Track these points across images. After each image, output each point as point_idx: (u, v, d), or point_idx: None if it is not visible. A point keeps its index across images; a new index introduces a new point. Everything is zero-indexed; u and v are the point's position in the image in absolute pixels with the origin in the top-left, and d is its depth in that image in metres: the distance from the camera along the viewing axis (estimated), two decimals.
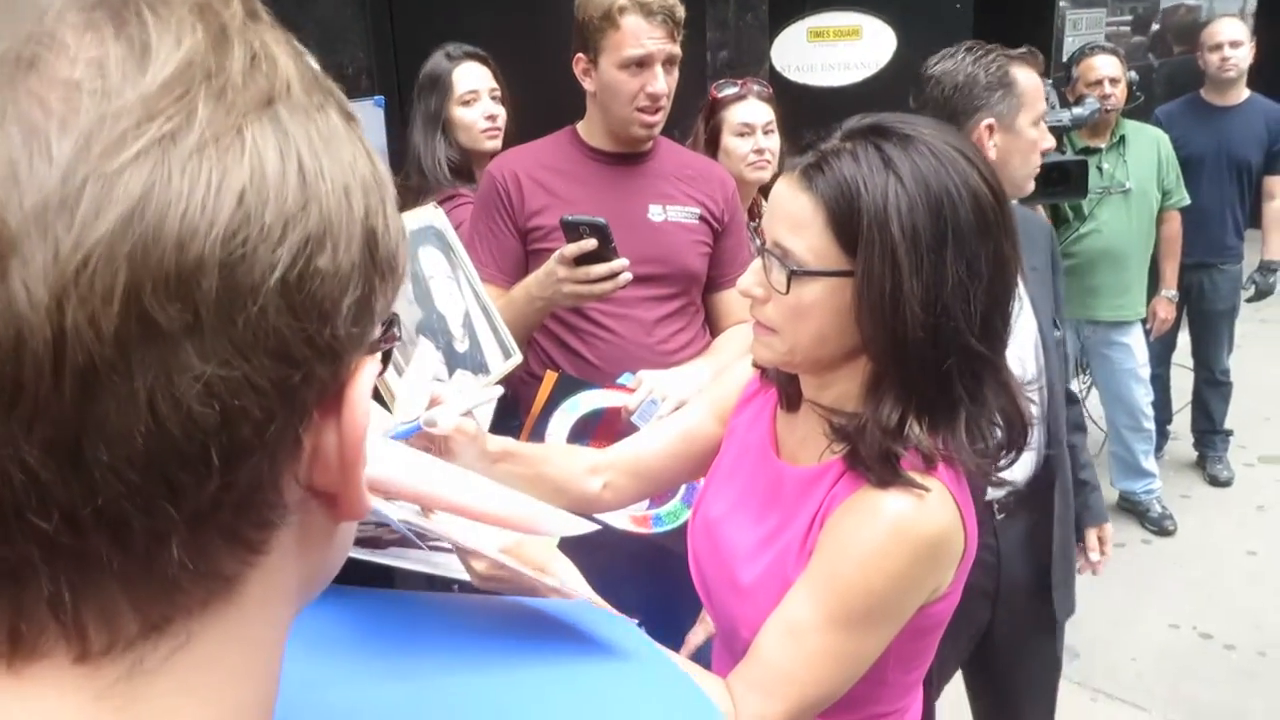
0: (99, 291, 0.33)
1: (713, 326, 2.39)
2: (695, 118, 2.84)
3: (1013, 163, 2.00)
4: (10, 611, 0.36)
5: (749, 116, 2.73)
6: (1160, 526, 4.32)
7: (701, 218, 2.28)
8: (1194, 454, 4.94)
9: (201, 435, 0.35)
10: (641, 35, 2.08)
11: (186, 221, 0.34)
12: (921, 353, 1.11)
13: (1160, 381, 4.75)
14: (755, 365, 1.38)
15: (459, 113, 2.65)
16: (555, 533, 1.01)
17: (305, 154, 0.38)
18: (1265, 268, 4.64)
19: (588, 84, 2.18)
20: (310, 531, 0.44)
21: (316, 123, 0.39)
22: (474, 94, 2.65)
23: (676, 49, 2.12)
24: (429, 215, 1.86)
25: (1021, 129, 1.99)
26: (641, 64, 2.10)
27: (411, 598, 0.93)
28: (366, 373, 0.42)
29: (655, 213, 2.23)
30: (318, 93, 0.40)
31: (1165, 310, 4.40)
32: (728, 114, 2.74)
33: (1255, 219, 4.65)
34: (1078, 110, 3.48)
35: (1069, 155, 3.28)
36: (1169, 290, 4.39)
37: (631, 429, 2.01)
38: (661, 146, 2.30)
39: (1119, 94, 4.01)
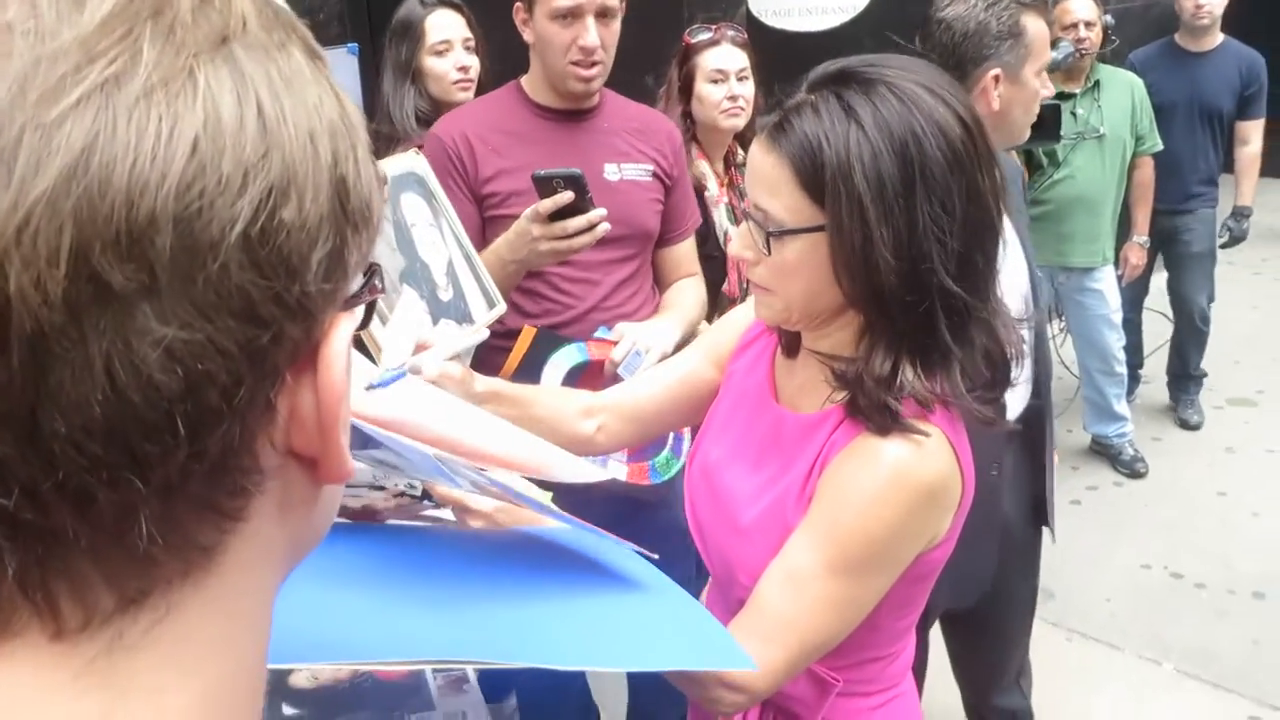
0: (43, 253, 0.30)
1: (660, 281, 2.34)
2: (649, 71, 2.80)
3: (1014, 113, 1.98)
4: None
5: (722, 63, 2.69)
6: (1132, 469, 4.38)
7: (654, 174, 2.23)
8: (1165, 398, 4.99)
9: (165, 403, 0.33)
10: None
11: (136, 174, 0.32)
12: (900, 299, 1.11)
13: (1132, 326, 4.78)
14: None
15: (430, 62, 2.58)
16: (568, 479, 1.00)
17: (265, 97, 0.35)
18: (1238, 213, 4.67)
19: (527, 35, 2.11)
20: (292, 496, 0.42)
21: (277, 62, 0.37)
22: (447, 44, 2.59)
23: (611, 0, 2.04)
24: (410, 161, 1.81)
25: (1027, 80, 1.97)
26: (571, 15, 2.02)
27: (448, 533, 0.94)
28: (342, 330, 0.40)
29: (611, 172, 2.17)
30: (279, 30, 0.38)
31: (1136, 256, 4.42)
32: (701, 60, 2.70)
33: (1229, 164, 4.66)
34: (1052, 54, 3.45)
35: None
36: (1140, 236, 4.40)
37: (616, 380, 1.98)
38: (607, 100, 2.24)
39: (1094, 37, 4.00)
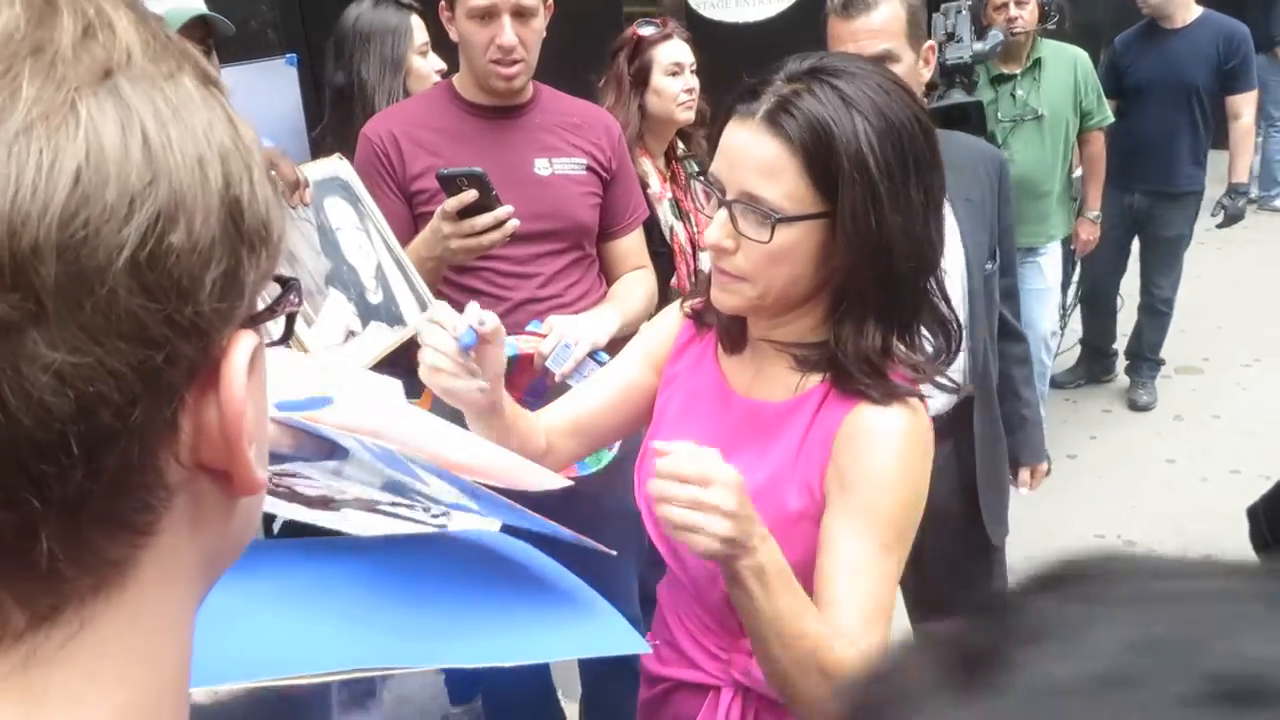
0: None
1: (608, 274, 2.36)
2: (600, 63, 2.80)
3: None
4: None
5: (678, 55, 2.72)
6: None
7: (589, 168, 2.25)
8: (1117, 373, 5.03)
9: (58, 424, 0.34)
10: None
11: (17, 206, 0.32)
12: (906, 280, 1.17)
13: (1107, 308, 4.79)
14: (691, 313, 1.40)
15: (417, 62, 2.61)
16: (535, 487, 1.02)
17: (151, 126, 0.36)
18: (1233, 190, 4.56)
19: (452, 34, 2.13)
20: (204, 509, 0.42)
21: (164, 91, 0.38)
22: (427, 45, 2.63)
23: (527, 0, 2.05)
24: (333, 166, 1.82)
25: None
26: (488, 14, 2.04)
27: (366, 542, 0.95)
28: (242, 346, 0.41)
29: (541, 166, 2.19)
30: (168, 60, 0.39)
31: (1087, 231, 4.33)
32: (656, 54, 2.72)
33: (1221, 140, 4.50)
34: (978, 46, 3.45)
35: (968, 97, 3.28)
36: (1092, 211, 4.31)
37: (546, 374, 2.01)
38: (542, 96, 2.25)
39: (1027, 16, 3.85)
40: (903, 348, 1.22)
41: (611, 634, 0.95)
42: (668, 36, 2.74)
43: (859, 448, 1.19)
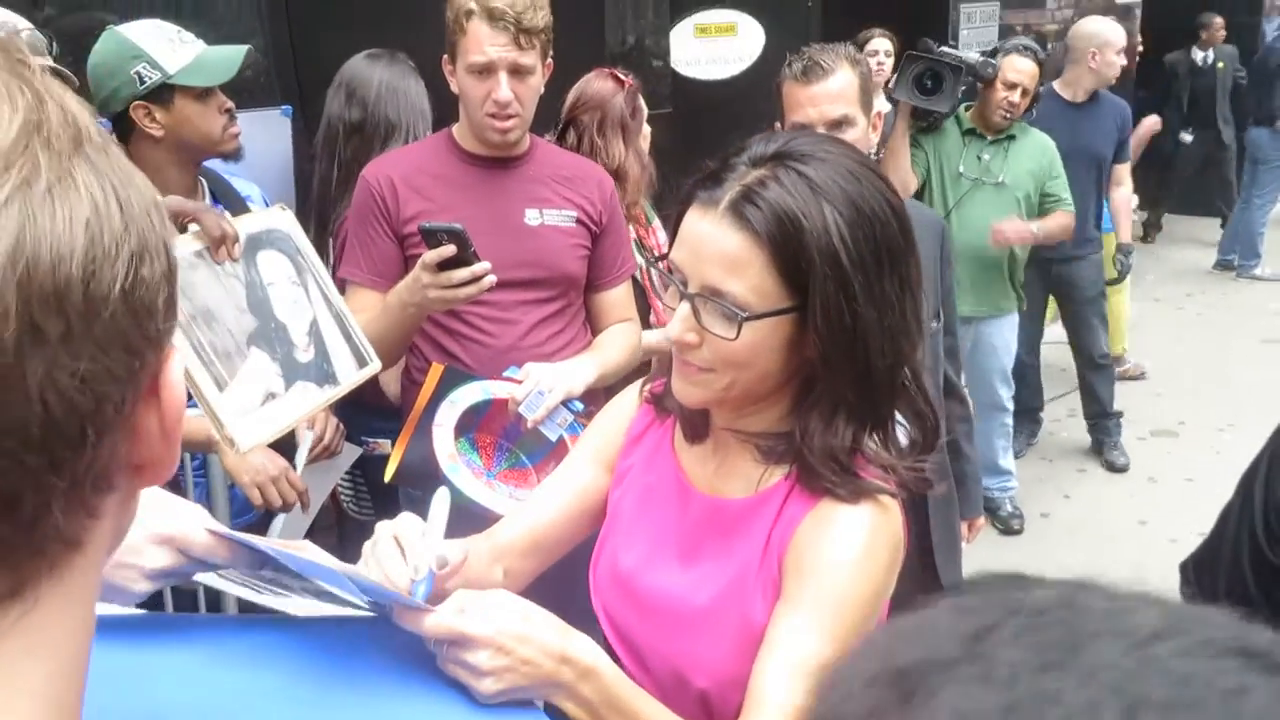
0: None
1: (594, 325, 2.42)
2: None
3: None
4: None
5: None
6: (1007, 526, 4.34)
7: (579, 220, 2.31)
8: (1088, 437, 5.08)
9: (79, 418, 0.42)
10: (484, 42, 2.09)
11: (55, 251, 0.41)
12: (880, 374, 1.11)
13: (1032, 370, 4.86)
14: (650, 397, 1.34)
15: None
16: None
17: (117, 185, 0.45)
18: (1122, 249, 4.86)
19: (453, 86, 2.21)
20: (126, 498, 0.50)
21: (110, 157, 0.46)
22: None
23: (525, 58, 2.11)
24: (275, 218, 1.81)
25: None
26: (486, 71, 2.12)
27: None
28: (176, 358, 0.49)
29: (531, 217, 2.26)
30: (98, 133, 0.47)
31: (1015, 231, 4.02)
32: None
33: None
34: (971, 55, 3.58)
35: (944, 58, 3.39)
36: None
37: (519, 420, 2.06)
38: (538, 149, 2.33)
39: (1023, 105, 3.96)
40: (874, 445, 1.15)
41: None
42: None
43: (820, 534, 1.12)
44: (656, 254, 2.82)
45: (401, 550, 1.07)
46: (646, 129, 2.86)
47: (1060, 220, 4.08)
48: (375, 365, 1.87)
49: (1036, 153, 4.05)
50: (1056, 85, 4.60)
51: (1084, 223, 4.54)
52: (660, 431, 1.33)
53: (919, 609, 0.42)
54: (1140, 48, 7.05)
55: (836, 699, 0.40)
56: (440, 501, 1.14)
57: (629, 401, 1.40)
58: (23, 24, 2.10)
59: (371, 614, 0.98)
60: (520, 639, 0.95)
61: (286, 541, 0.95)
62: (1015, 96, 3.92)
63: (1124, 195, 4.78)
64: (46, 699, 0.45)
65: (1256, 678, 0.33)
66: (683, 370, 1.17)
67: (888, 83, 4.01)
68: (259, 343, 1.66)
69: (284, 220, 1.80)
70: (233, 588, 1.07)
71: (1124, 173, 4.73)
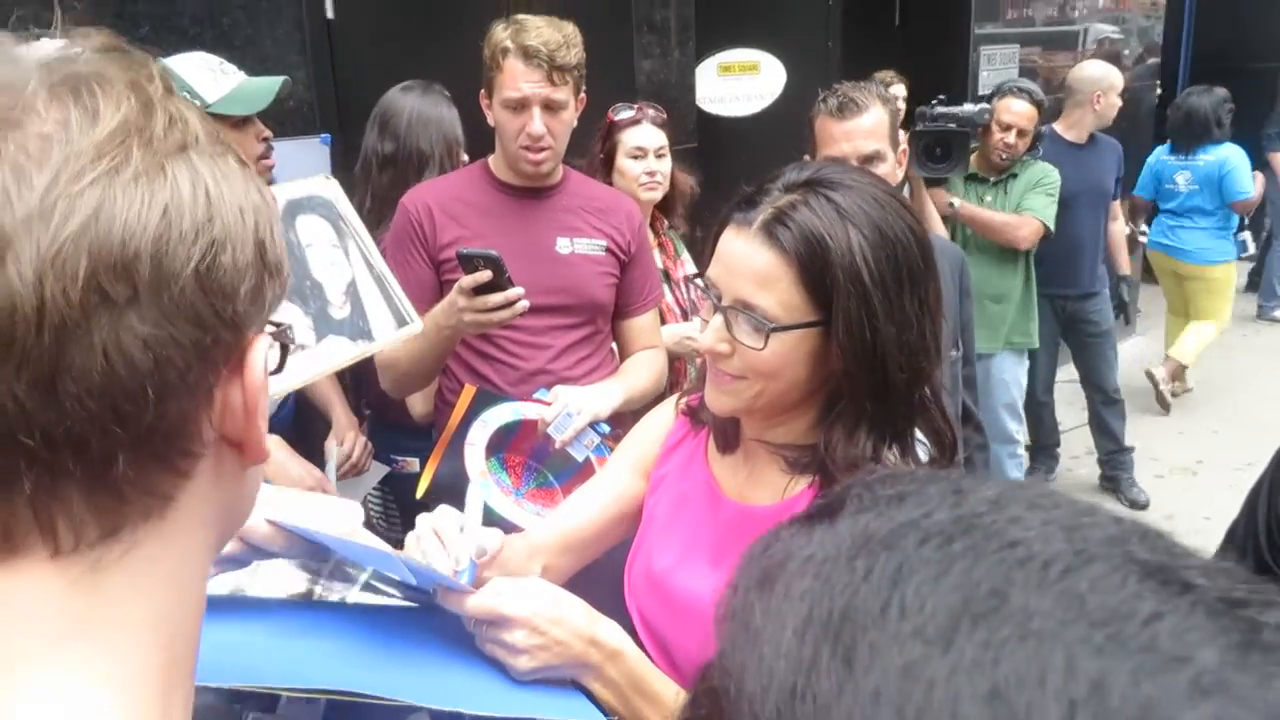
0: (69, 273, 0.46)
1: (622, 351, 2.50)
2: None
3: None
4: (3, 512, 0.49)
5: (642, 140, 2.91)
6: None
7: (608, 249, 2.40)
8: (1098, 472, 5.11)
9: (140, 376, 0.49)
10: (519, 78, 2.19)
11: (127, 227, 0.48)
12: (899, 388, 1.18)
13: (1047, 408, 4.93)
14: (686, 409, 1.42)
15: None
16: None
17: (210, 184, 0.52)
18: (1124, 281, 4.93)
19: (490, 119, 2.31)
20: (224, 469, 0.57)
21: (218, 164, 0.54)
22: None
23: (558, 94, 2.21)
24: (317, 185, 1.88)
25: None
26: (520, 105, 2.21)
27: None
28: (260, 344, 0.56)
29: (563, 245, 2.35)
30: (219, 145, 0.55)
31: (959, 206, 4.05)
32: (623, 137, 2.93)
33: None
34: (966, 107, 3.68)
35: (953, 127, 3.49)
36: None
37: (547, 440, 2.13)
38: (570, 180, 2.42)
39: (1021, 146, 4.05)
40: (893, 457, 1.20)
41: (578, 707, 1.01)
42: (636, 122, 2.93)
43: None
44: (687, 278, 2.91)
45: (441, 542, 1.14)
46: (628, 163, 2.93)
47: (1006, 217, 4.05)
48: (416, 325, 1.91)
49: (1036, 176, 4.12)
50: (1058, 127, 4.66)
51: (1093, 260, 4.64)
52: (695, 442, 1.40)
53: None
54: (1159, 90, 7.14)
55: (769, 652, 0.40)
56: (475, 495, 1.22)
57: (666, 414, 1.48)
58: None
59: (416, 604, 1.05)
60: (553, 620, 1.02)
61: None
62: (1011, 138, 4.03)
63: (1118, 229, 4.88)
64: (154, 631, 0.52)
65: (1170, 600, 0.37)
66: (716, 379, 1.25)
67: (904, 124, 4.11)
68: (291, 298, 1.71)
69: (328, 188, 1.86)
70: (284, 588, 1.14)
71: (1117, 208, 4.83)
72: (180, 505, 0.54)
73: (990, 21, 5.91)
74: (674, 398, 1.49)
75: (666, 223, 3.07)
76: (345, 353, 1.78)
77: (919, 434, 1.26)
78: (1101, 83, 4.58)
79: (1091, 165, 4.59)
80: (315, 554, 1.03)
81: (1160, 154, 5.94)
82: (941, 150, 3.45)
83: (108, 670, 0.50)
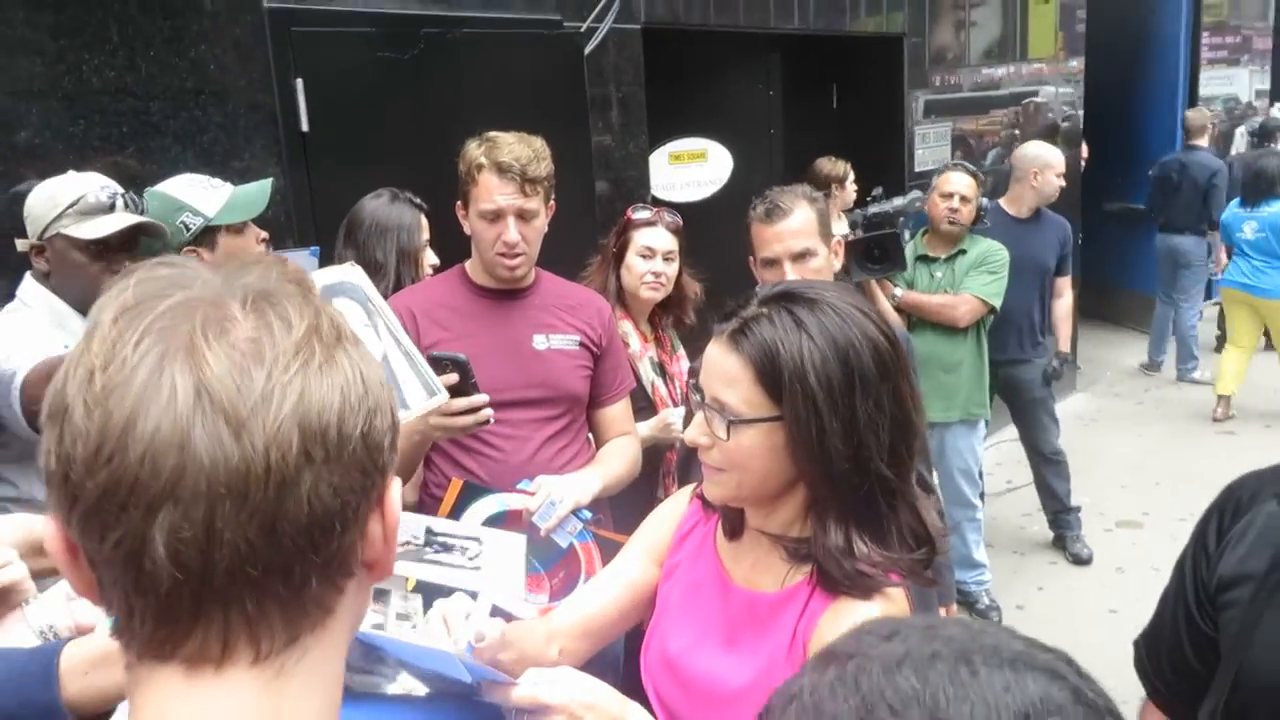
0: (285, 443, 0.60)
1: (597, 439, 2.63)
2: (583, 241, 3.16)
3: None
4: (225, 630, 0.61)
5: (652, 241, 3.05)
6: (985, 619, 4.40)
7: (581, 344, 2.54)
8: (1050, 532, 5.30)
9: (331, 515, 0.62)
10: (494, 191, 2.34)
11: (321, 405, 0.62)
12: (848, 479, 1.29)
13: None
14: (700, 496, 1.51)
15: (428, 256, 2.96)
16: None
17: (360, 365, 0.66)
18: (1060, 358, 5.07)
19: (466, 228, 2.46)
20: (361, 586, 0.70)
21: (358, 348, 0.68)
22: (427, 240, 2.98)
23: (530, 203, 2.37)
24: (345, 272, 2.01)
25: None
26: (495, 216, 2.37)
27: None
28: (396, 484, 0.70)
29: (539, 341, 2.49)
30: (350, 333, 0.69)
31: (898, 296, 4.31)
32: (635, 235, 3.07)
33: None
34: (897, 201, 3.96)
35: (884, 230, 3.78)
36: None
37: (533, 529, 2.24)
38: (543, 281, 2.58)
39: (966, 212, 4.31)
40: (864, 547, 1.30)
41: None
42: (651, 224, 3.08)
43: (838, 628, 1.20)
44: (686, 377, 3.05)
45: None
46: (636, 261, 3.07)
47: (943, 299, 4.32)
48: (442, 396, 2.00)
49: (982, 255, 4.33)
50: (1003, 202, 4.95)
51: (1026, 330, 4.86)
52: (705, 530, 1.53)
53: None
54: (1084, 160, 7.51)
55: None
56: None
57: (679, 504, 1.61)
58: (112, 185, 2.32)
59: (458, 690, 1.17)
60: (588, 706, 1.15)
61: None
62: (955, 203, 4.29)
63: (1064, 306, 5.06)
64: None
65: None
66: (704, 470, 1.40)
67: (851, 208, 4.39)
68: None
69: (355, 274, 1.99)
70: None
71: (1064, 285, 5.02)
72: (336, 616, 0.66)
73: (922, 89, 6.21)
74: (690, 487, 1.61)
75: (666, 320, 3.20)
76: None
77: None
78: (1037, 161, 4.85)
79: (1031, 240, 4.82)
80: (363, 654, 1.14)
81: (1232, 207, 6.99)
82: (879, 252, 3.72)
83: None
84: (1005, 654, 0.61)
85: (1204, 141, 8.00)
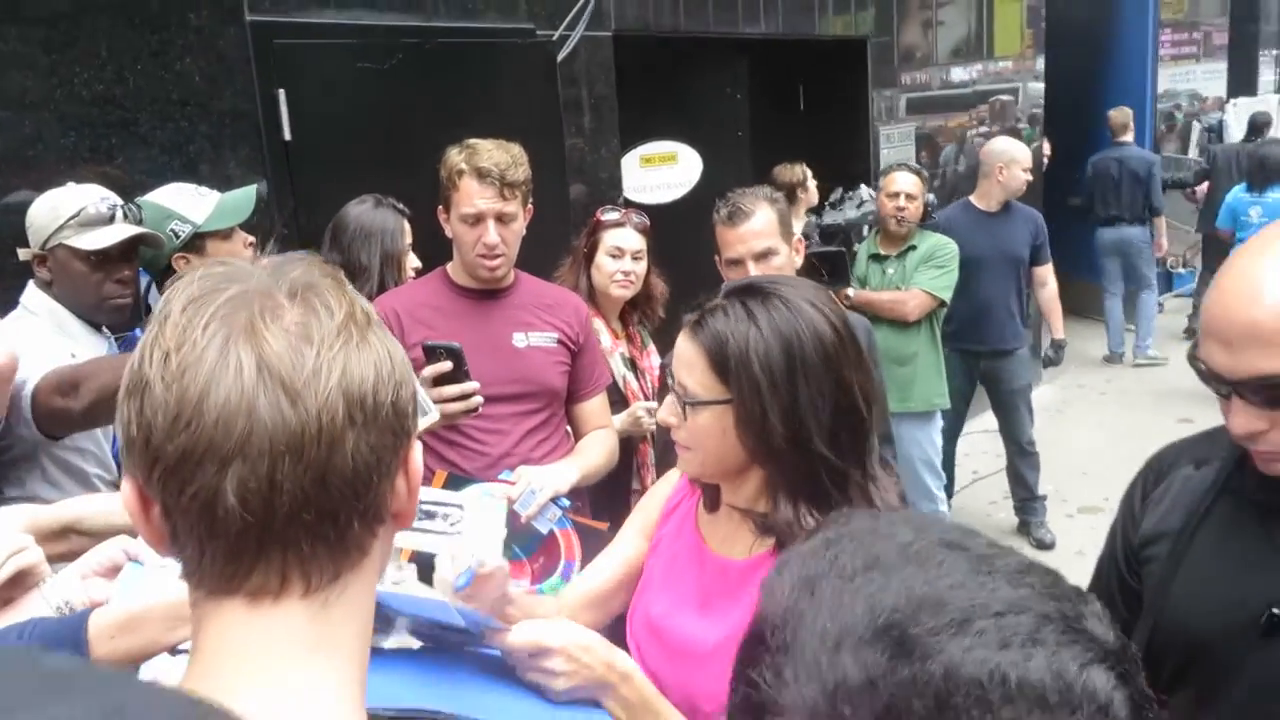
0: (332, 409, 0.70)
1: (575, 433, 2.77)
2: (559, 242, 3.29)
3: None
4: (283, 567, 0.71)
5: (621, 241, 3.17)
6: None
7: (559, 341, 2.68)
8: (1015, 518, 5.49)
9: (370, 468, 0.72)
10: (474, 195, 2.47)
11: (360, 378, 0.71)
12: (789, 458, 1.41)
13: (948, 457, 5.20)
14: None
15: (410, 260, 3.07)
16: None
17: (388, 344, 0.76)
18: (1056, 345, 5.28)
19: (447, 231, 2.58)
20: (388, 533, 0.79)
21: (384, 330, 0.78)
22: (410, 244, 3.09)
23: (509, 207, 2.50)
24: None
25: None
26: (476, 220, 2.49)
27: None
28: (417, 445, 0.80)
29: (519, 339, 2.62)
30: (377, 319, 0.80)
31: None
32: (605, 235, 3.19)
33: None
34: (850, 213, 4.19)
35: (830, 248, 4.06)
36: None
37: (515, 517, 2.35)
38: (521, 282, 2.71)
39: (912, 209, 4.47)
40: (813, 521, 1.39)
41: None
42: (620, 224, 3.20)
43: None
44: (657, 369, 3.20)
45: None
46: (605, 260, 3.19)
47: (892, 295, 4.47)
48: (434, 415, 2.12)
49: (931, 250, 4.47)
50: (972, 198, 5.10)
51: (1009, 320, 5.01)
52: (687, 505, 1.68)
53: None
54: (1047, 156, 7.71)
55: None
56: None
57: (671, 481, 1.75)
58: (112, 197, 2.42)
59: (460, 641, 1.28)
60: (583, 649, 1.27)
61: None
62: (901, 201, 4.45)
63: (1050, 293, 5.21)
64: (352, 650, 0.77)
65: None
66: (676, 448, 1.54)
67: (812, 210, 4.60)
68: None
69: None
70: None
71: (1046, 273, 5.15)
72: (370, 557, 0.76)
73: (887, 88, 6.37)
74: (671, 472, 1.74)
75: (636, 317, 3.33)
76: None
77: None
78: (1003, 156, 5.00)
79: (1002, 233, 4.98)
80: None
81: (1237, 192, 7.33)
82: (828, 269, 4.03)
83: (339, 674, 0.74)
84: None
85: (1129, 137, 8.36)
